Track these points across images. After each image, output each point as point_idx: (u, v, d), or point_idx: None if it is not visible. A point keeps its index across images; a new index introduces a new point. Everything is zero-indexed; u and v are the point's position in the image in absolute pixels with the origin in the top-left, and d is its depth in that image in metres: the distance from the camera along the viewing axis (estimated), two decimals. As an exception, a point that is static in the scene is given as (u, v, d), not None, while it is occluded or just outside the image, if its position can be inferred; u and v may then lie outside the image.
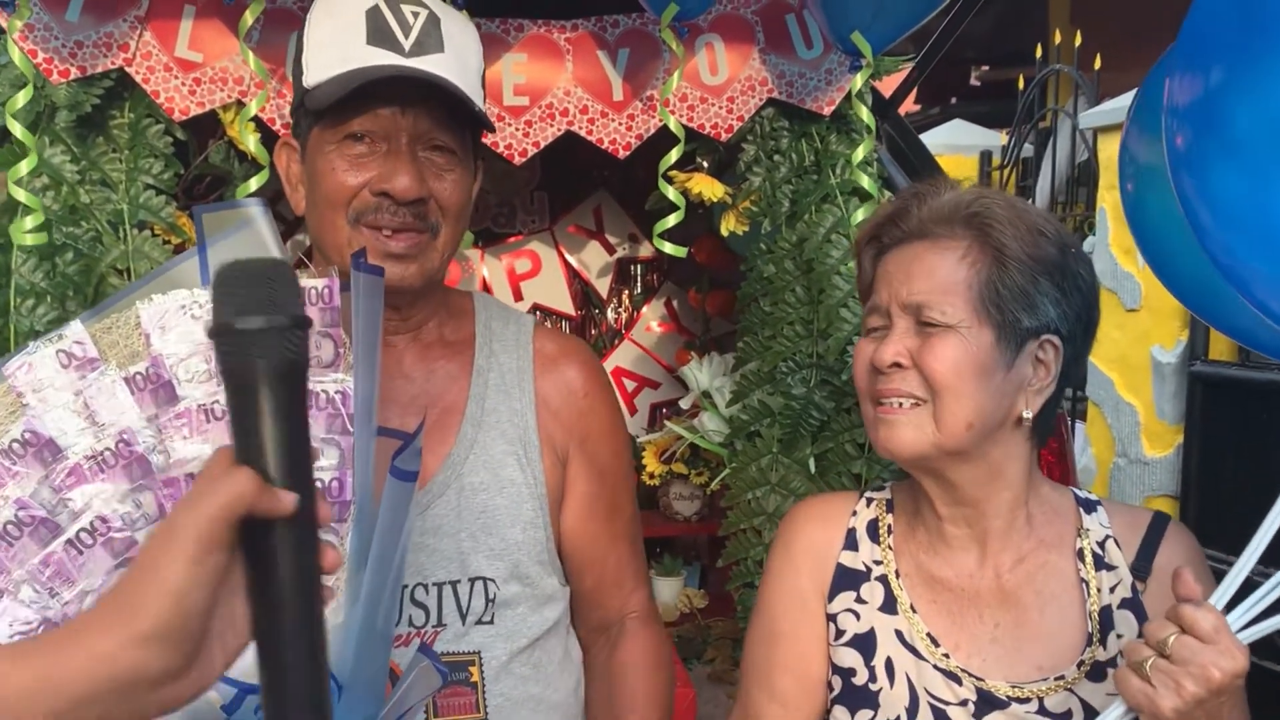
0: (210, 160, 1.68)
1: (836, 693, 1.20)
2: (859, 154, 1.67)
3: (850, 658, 1.20)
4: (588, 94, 1.70)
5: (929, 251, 1.13)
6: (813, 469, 1.85)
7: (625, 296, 2.67)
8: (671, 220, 1.63)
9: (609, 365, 2.61)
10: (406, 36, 1.15)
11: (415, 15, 1.16)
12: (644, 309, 2.65)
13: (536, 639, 1.27)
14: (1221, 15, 0.99)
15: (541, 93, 1.70)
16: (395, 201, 1.14)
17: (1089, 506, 1.21)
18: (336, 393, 0.98)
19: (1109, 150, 3.61)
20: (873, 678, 1.18)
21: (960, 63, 9.99)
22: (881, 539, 1.24)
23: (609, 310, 2.65)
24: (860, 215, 1.68)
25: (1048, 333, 1.13)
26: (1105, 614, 1.15)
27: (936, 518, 1.19)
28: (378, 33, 1.14)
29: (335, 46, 1.14)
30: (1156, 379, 3.39)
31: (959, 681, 1.14)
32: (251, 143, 1.52)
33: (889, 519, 1.25)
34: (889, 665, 1.18)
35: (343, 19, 1.15)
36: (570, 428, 1.31)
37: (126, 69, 1.57)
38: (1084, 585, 1.16)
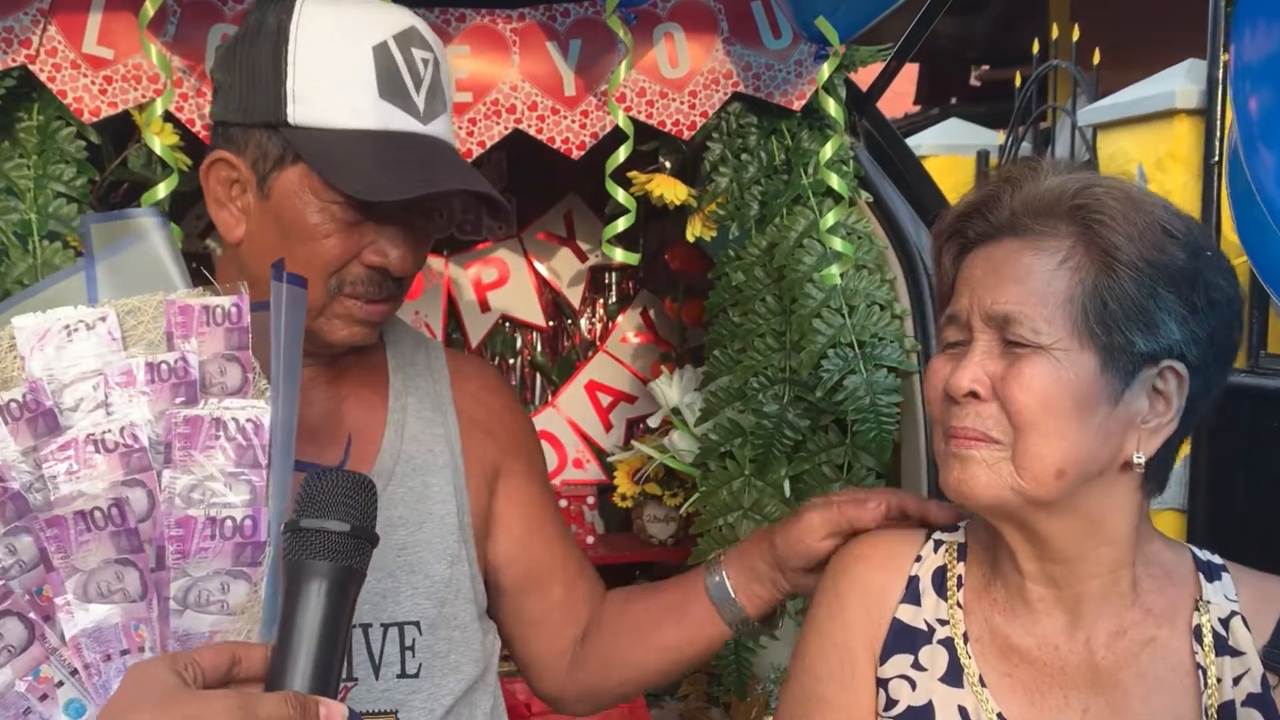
0: (128, 165, 1.56)
1: None
2: (827, 151, 1.54)
3: None
4: (537, 89, 1.57)
5: (1022, 251, 0.93)
6: (788, 492, 1.72)
7: (599, 306, 2.53)
8: (621, 224, 1.50)
9: (582, 379, 2.48)
10: (418, 91, 1.05)
11: (425, 64, 1.06)
12: (619, 319, 2.52)
13: (462, 694, 1.14)
14: None
15: (486, 88, 1.57)
16: (386, 275, 1.07)
17: (1211, 572, 1.00)
18: (247, 421, 0.85)
19: (1109, 148, 3.48)
20: None
21: (960, 63, 9.87)
22: (949, 593, 1.04)
23: (582, 321, 2.52)
24: (831, 219, 1.54)
25: (1169, 358, 0.92)
26: (1226, 711, 0.95)
27: (1018, 574, 1.00)
28: (390, 84, 1.03)
29: (340, 87, 1.02)
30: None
31: None
32: (158, 145, 1.39)
33: (959, 569, 1.05)
34: None
35: (345, 52, 1.02)
36: (504, 442, 1.25)
37: (30, 66, 1.44)
38: (1200, 673, 0.95)
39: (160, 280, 0.94)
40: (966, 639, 1.01)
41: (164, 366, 0.87)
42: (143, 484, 0.84)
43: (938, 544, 1.07)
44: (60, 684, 0.81)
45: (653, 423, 2.12)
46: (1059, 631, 0.99)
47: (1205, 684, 0.95)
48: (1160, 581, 0.99)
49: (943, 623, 1.03)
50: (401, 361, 1.21)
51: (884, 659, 1.03)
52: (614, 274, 2.54)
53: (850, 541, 1.13)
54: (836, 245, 1.55)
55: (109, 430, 0.85)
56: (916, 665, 1.02)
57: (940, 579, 1.05)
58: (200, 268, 1.05)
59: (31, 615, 0.81)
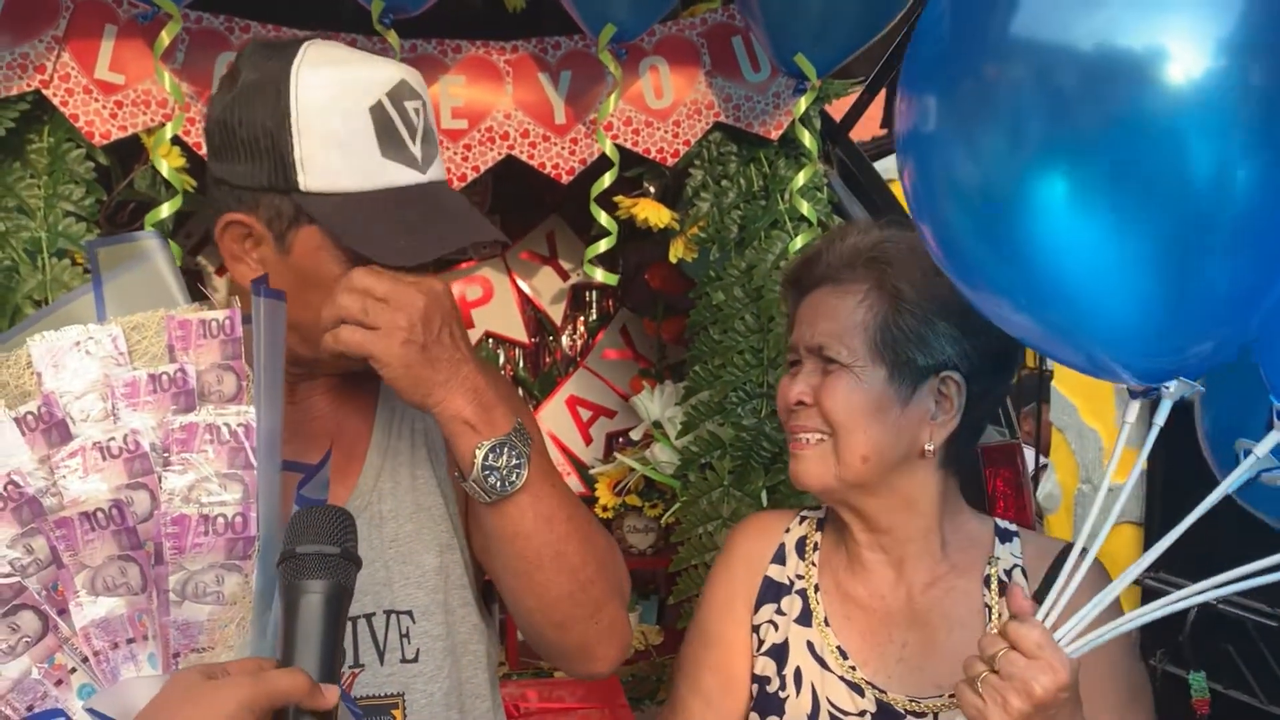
0: (135, 186, 1.62)
1: (754, 700, 1.26)
2: (799, 180, 1.64)
3: (767, 667, 1.26)
4: (529, 117, 1.66)
5: (832, 295, 1.21)
6: (765, 502, 1.80)
7: (580, 323, 2.61)
8: (603, 246, 1.58)
9: (563, 394, 2.55)
10: (414, 141, 1.09)
11: (417, 113, 1.10)
12: (599, 336, 2.60)
13: (464, 679, 1.21)
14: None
15: (481, 116, 1.65)
16: None
17: (1006, 536, 1.26)
18: (239, 426, 0.93)
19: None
20: (783, 686, 1.24)
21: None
22: (807, 555, 1.30)
23: (563, 337, 2.59)
24: (799, 243, 1.64)
25: (946, 369, 1.18)
26: None
27: (855, 542, 1.25)
28: (389, 141, 1.07)
29: (342, 151, 1.06)
30: (1120, 404, 3.36)
31: (861, 693, 1.20)
32: (165, 168, 1.45)
33: (817, 536, 1.31)
34: (797, 674, 1.24)
35: (345, 118, 1.06)
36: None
37: (43, 91, 1.50)
38: (987, 610, 1.21)
39: (162, 297, 0.99)
40: (817, 590, 1.27)
41: (164, 377, 0.94)
42: (146, 487, 0.91)
43: (803, 518, 1.34)
44: (73, 670, 0.88)
45: (635, 435, 2.20)
46: (886, 584, 1.24)
47: (990, 619, 1.20)
48: (964, 544, 1.25)
49: (800, 577, 1.29)
50: None
51: (757, 608, 1.29)
52: (594, 292, 2.61)
53: (744, 519, 1.42)
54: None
55: (113, 437, 0.91)
56: (779, 611, 1.27)
57: (801, 545, 1.31)
58: (196, 284, 1.12)
59: (44, 607, 0.87)
